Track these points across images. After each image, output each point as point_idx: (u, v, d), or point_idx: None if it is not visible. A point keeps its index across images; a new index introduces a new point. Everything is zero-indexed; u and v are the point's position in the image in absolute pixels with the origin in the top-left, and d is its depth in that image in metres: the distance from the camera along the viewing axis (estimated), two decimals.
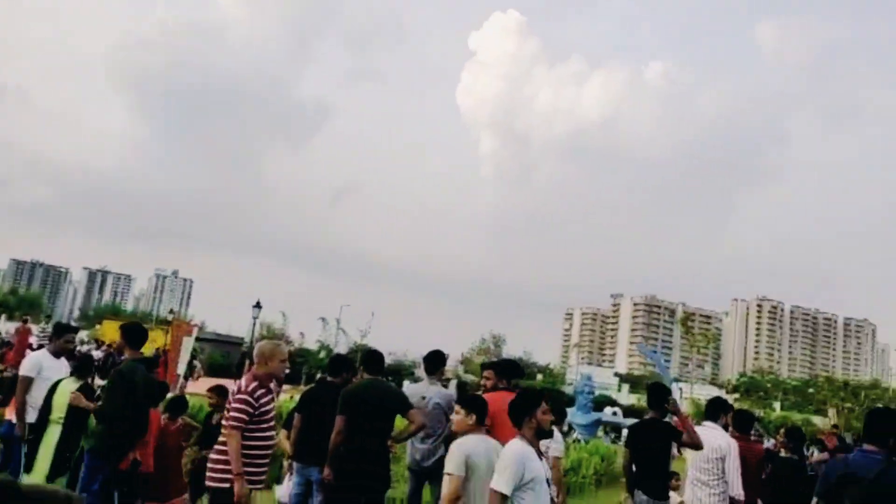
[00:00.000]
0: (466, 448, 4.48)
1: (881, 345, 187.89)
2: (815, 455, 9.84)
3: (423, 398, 6.64)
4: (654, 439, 6.17)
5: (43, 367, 6.91)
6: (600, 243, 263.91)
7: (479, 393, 5.74)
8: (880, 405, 64.00)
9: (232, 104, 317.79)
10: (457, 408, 4.85)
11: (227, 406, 5.05)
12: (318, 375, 7.08)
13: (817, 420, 48.32)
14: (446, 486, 4.37)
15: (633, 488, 6.29)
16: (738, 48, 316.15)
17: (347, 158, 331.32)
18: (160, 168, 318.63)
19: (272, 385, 5.35)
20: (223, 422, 5.08)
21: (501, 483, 3.97)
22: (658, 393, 6.57)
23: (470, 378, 49.16)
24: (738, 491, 6.15)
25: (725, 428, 6.76)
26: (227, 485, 4.83)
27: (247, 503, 4.89)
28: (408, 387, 8.17)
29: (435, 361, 6.91)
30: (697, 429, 6.73)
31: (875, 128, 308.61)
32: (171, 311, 54.06)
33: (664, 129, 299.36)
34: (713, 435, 6.36)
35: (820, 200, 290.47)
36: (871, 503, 3.99)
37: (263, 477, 5.19)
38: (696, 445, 6.06)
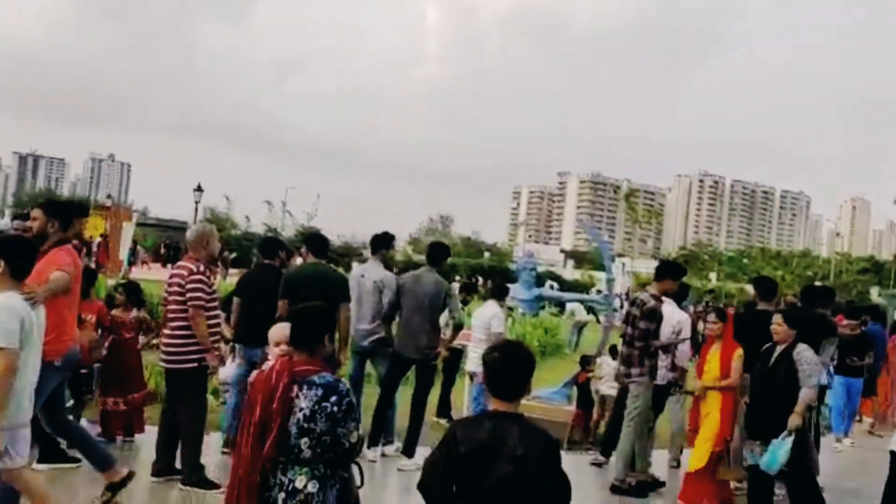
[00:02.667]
0: (17, 311, 3.53)
1: (815, 216, 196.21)
2: None
3: (363, 276, 6.74)
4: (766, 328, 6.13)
5: None
6: (549, 119, 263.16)
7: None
8: (810, 273, 67.71)
9: None
10: None
11: (179, 290, 5.08)
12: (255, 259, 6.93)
13: (751, 289, 50.88)
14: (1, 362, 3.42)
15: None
16: None
17: (289, 33, 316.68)
18: (88, 44, 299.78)
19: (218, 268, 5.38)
20: (174, 305, 5.10)
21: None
22: (766, 285, 6.94)
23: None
24: (686, 363, 6.57)
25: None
26: (193, 364, 5.02)
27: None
28: (354, 267, 8.19)
29: (377, 242, 6.95)
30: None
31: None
32: (109, 196, 52.49)
33: (614, 1, 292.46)
34: (670, 310, 6.45)
35: (765, 74, 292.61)
36: None
37: (220, 354, 5.43)
38: None
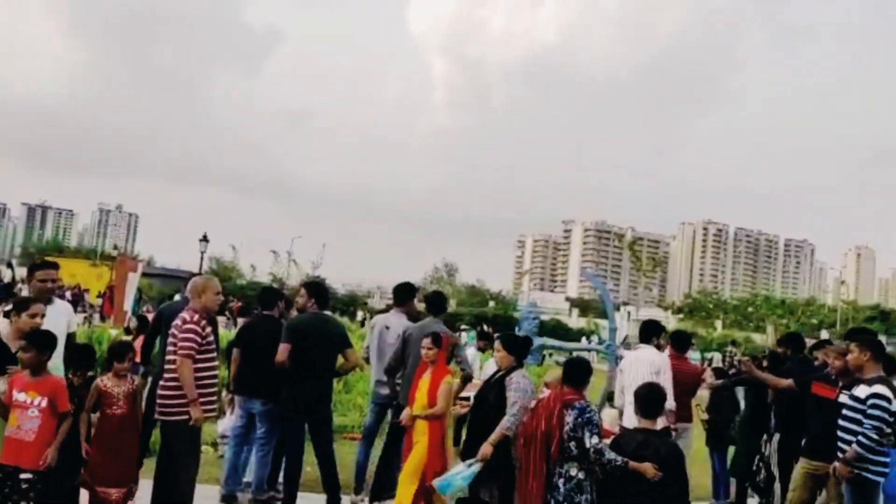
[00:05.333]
0: None
1: (819, 263, 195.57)
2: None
3: (387, 328, 6.70)
4: None
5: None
6: (554, 169, 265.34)
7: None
8: (815, 321, 67.18)
9: (175, 27, 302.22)
10: None
11: (173, 339, 5.09)
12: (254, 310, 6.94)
13: (756, 337, 50.46)
14: None
15: None
16: None
17: (299, 85, 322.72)
18: (101, 96, 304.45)
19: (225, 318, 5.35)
20: (170, 356, 5.06)
21: None
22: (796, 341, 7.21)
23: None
24: (671, 403, 6.25)
25: (659, 348, 6.91)
26: (185, 416, 4.95)
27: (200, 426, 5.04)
28: (377, 317, 8.12)
29: (402, 293, 6.91)
30: (634, 352, 6.93)
31: (823, 49, 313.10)
32: (115, 247, 52.84)
33: (619, 53, 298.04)
34: (647, 353, 6.62)
35: (769, 125, 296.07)
36: None
37: (214, 406, 5.39)
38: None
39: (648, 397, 4.67)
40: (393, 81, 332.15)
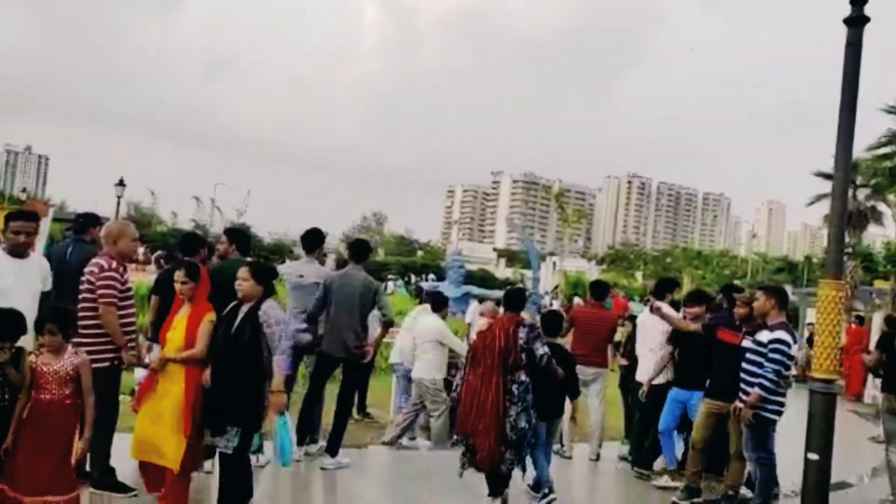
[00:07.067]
0: None
1: (734, 217, 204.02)
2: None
3: (301, 276, 6.61)
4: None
5: None
6: (483, 120, 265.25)
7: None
8: (727, 272, 70.35)
9: None
10: None
11: (90, 286, 4.94)
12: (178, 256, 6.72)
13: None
14: None
15: None
16: None
17: (222, 27, 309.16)
18: (6, 32, 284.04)
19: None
20: (86, 303, 4.88)
21: None
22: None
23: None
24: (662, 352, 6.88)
25: (675, 305, 7.28)
26: (106, 363, 4.86)
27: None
28: (287, 265, 8.05)
29: (312, 239, 6.81)
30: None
31: (742, 8, 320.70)
32: (24, 190, 50.20)
33: (549, 7, 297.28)
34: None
35: (690, 81, 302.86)
36: None
37: (135, 352, 5.26)
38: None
39: (553, 320, 6.29)
40: (321, 27, 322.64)
